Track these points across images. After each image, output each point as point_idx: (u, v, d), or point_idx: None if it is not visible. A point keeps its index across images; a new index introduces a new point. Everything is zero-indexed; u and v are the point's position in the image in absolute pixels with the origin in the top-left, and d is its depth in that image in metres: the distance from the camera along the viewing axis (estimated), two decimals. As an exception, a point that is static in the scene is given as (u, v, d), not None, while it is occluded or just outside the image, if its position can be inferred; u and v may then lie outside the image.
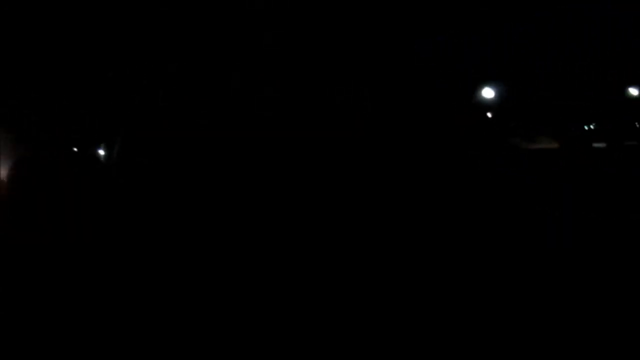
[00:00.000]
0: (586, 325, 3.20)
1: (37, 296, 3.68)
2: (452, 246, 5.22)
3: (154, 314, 3.34)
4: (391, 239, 5.49)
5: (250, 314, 3.35)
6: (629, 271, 4.44)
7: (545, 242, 5.35)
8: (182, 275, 4.18)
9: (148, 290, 3.81)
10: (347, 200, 8.24)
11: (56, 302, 3.56)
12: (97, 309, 3.42)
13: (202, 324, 3.18)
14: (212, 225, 6.10)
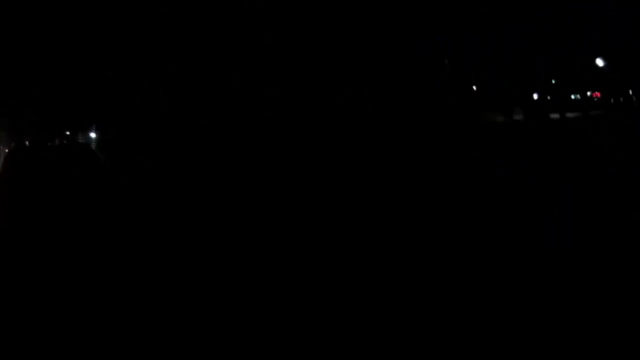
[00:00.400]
0: (586, 325, 3.19)
1: (37, 295, 3.66)
2: (452, 245, 5.20)
3: (153, 311, 3.32)
4: (391, 237, 5.47)
5: (249, 312, 3.32)
6: (629, 271, 4.43)
7: (545, 242, 5.34)
8: (182, 273, 4.15)
9: (147, 288, 3.78)
10: (347, 199, 8.23)
11: (56, 301, 3.55)
12: (96, 307, 3.40)
13: (201, 322, 3.15)
14: (211, 224, 6.08)
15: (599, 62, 28.58)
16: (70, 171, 7.99)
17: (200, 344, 2.92)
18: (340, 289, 3.79)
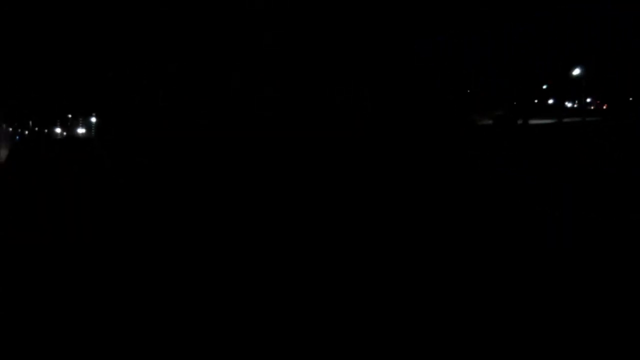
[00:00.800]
0: (586, 325, 3.19)
1: (37, 295, 3.66)
2: (452, 245, 5.20)
3: (153, 311, 3.32)
4: (391, 237, 5.47)
5: (249, 312, 3.32)
6: (629, 271, 4.43)
7: (545, 242, 5.34)
8: (182, 273, 4.15)
9: (147, 288, 3.78)
10: (347, 199, 8.22)
11: (56, 300, 3.55)
12: (96, 306, 3.40)
13: (201, 322, 3.15)
14: (211, 224, 6.08)
15: (577, 71, 29.08)
16: (70, 170, 7.99)
17: (200, 343, 2.92)
18: (341, 289, 3.79)
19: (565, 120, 25.35)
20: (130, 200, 7.81)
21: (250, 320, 3.25)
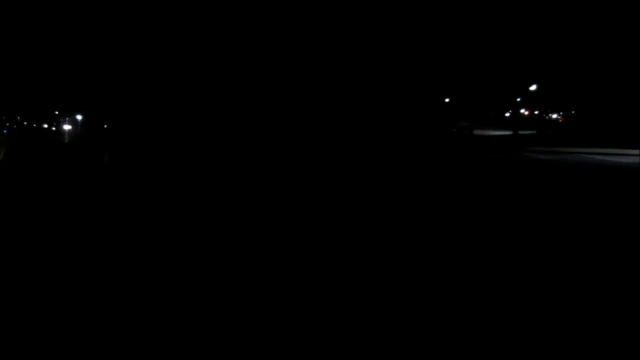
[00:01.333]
0: (586, 325, 3.18)
1: (37, 295, 3.65)
2: (451, 245, 5.20)
3: (153, 311, 3.31)
4: (391, 237, 5.48)
5: (249, 311, 3.31)
6: (629, 271, 4.43)
7: (545, 242, 5.35)
8: (182, 273, 4.14)
9: (147, 288, 3.77)
10: (347, 199, 8.24)
11: (56, 301, 3.54)
12: (96, 306, 3.39)
13: (200, 320, 3.14)
14: (211, 223, 6.09)
15: (533, 87, 30.48)
16: (68, 170, 8.00)
17: (200, 343, 2.92)
18: (341, 288, 3.80)
19: (521, 132, 28.08)
20: (130, 199, 7.81)
21: (250, 319, 3.25)
